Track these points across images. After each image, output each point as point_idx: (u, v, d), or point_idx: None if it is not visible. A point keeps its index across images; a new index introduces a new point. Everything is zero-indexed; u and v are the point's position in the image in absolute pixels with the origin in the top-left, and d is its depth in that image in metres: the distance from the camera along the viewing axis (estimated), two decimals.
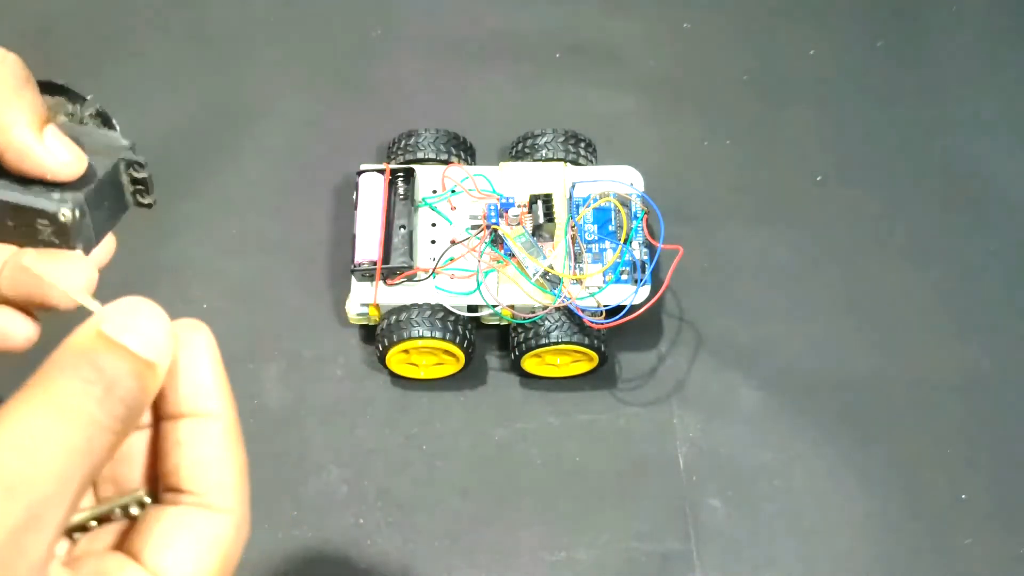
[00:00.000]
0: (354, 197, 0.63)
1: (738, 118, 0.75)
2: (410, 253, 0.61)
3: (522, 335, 0.61)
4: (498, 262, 0.61)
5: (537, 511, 0.61)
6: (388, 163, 0.65)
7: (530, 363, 0.62)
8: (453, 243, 0.62)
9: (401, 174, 0.64)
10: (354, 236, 0.62)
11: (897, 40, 0.79)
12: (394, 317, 0.60)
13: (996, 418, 0.64)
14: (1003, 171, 0.73)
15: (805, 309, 0.68)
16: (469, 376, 0.64)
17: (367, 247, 0.61)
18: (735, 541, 0.60)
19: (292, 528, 0.60)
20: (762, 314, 0.67)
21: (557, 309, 0.60)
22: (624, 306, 0.59)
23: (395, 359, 0.62)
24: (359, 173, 0.64)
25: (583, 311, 0.59)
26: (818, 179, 0.73)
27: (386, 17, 0.79)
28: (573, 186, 0.64)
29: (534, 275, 0.60)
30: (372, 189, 0.63)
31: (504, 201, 0.63)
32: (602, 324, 0.59)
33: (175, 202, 0.70)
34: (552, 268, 0.60)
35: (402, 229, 0.62)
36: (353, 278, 0.61)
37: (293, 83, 0.76)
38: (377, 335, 0.61)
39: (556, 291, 0.60)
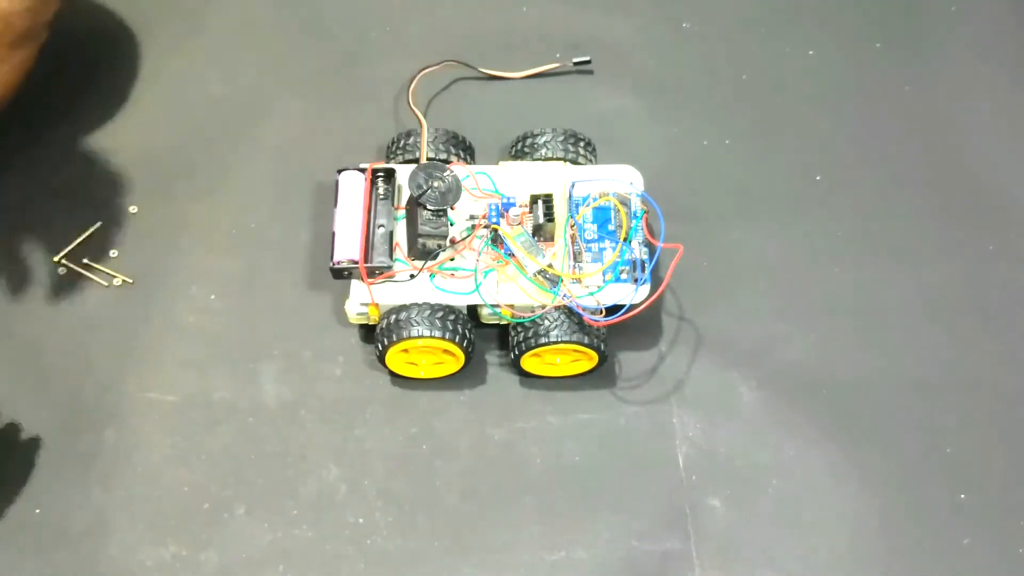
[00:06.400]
0: (335, 197, 0.64)
1: (738, 118, 0.75)
2: (390, 253, 0.61)
3: (521, 334, 0.61)
4: (497, 261, 0.62)
5: (537, 511, 0.61)
6: (386, 162, 0.65)
7: (530, 362, 0.62)
8: (453, 242, 0.62)
9: (381, 174, 0.64)
10: (333, 234, 0.62)
11: (897, 40, 0.79)
12: (393, 316, 0.60)
13: (996, 418, 0.64)
14: (1003, 171, 0.73)
15: (805, 309, 0.68)
16: (469, 376, 0.64)
17: (347, 246, 0.61)
18: (734, 540, 0.60)
19: (292, 527, 0.60)
20: (762, 314, 0.67)
21: (557, 308, 0.60)
22: (623, 304, 0.59)
23: (394, 358, 0.62)
24: (339, 172, 0.64)
25: (583, 309, 0.59)
26: (818, 179, 0.73)
27: (386, 17, 0.79)
28: (572, 185, 0.64)
29: (533, 274, 0.60)
30: (352, 189, 0.63)
31: (505, 201, 0.63)
32: (602, 322, 0.59)
33: (176, 201, 0.70)
34: (551, 267, 0.60)
35: (380, 228, 0.62)
36: (353, 278, 0.62)
37: (293, 83, 0.76)
38: (376, 335, 0.61)
39: (555, 290, 0.60)
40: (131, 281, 0.67)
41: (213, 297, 0.67)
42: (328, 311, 0.67)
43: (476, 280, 0.61)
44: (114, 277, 0.67)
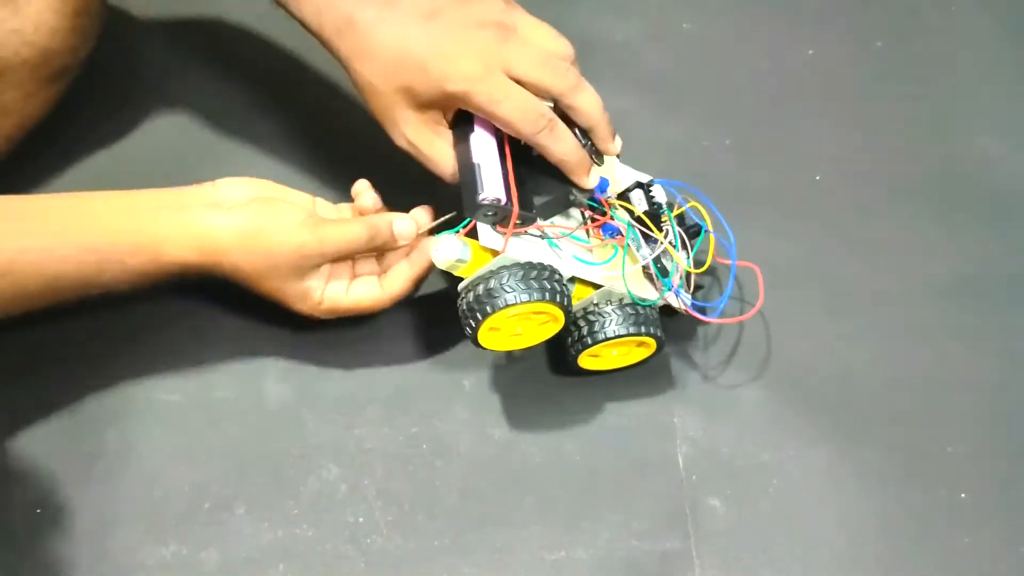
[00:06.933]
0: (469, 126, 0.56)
1: (738, 118, 0.75)
2: (530, 204, 0.55)
3: (584, 328, 0.59)
4: (621, 245, 0.58)
5: (537, 511, 0.61)
6: None
7: (586, 360, 0.62)
8: (582, 211, 0.58)
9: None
10: (475, 165, 0.54)
11: (897, 40, 0.80)
12: (481, 286, 0.55)
13: (996, 418, 0.64)
14: (1003, 170, 0.74)
15: (805, 309, 0.68)
16: (469, 375, 0.64)
17: (493, 184, 0.53)
18: (734, 540, 0.60)
19: (292, 527, 0.60)
20: (762, 314, 0.67)
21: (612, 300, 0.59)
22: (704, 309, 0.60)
23: (493, 327, 0.56)
24: None
25: (690, 305, 0.60)
26: (817, 179, 0.73)
27: None
28: (651, 183, 0.63)
29: (650, 259, 0.58)
30: (485, 124, 0.56)
31: (602, 179, 0.58)
32: (711, 319, 0.60)
33: None
34: (672, 251, 0.58)
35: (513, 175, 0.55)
36: (496, 221, 0.54)
37: (295, 83, 0.76)
38: (467, 308, 0.55)
39: (667, 280, 0.59)
40: None
41: (214, 295, 0.67)
42: None
43: (621, 260, 0.57)
44: None
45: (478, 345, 0.57)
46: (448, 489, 0.61)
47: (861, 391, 0.65)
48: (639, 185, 0.62)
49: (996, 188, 0.73)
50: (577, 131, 0.56)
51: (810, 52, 0.79)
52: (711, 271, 0.68)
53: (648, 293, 0.60)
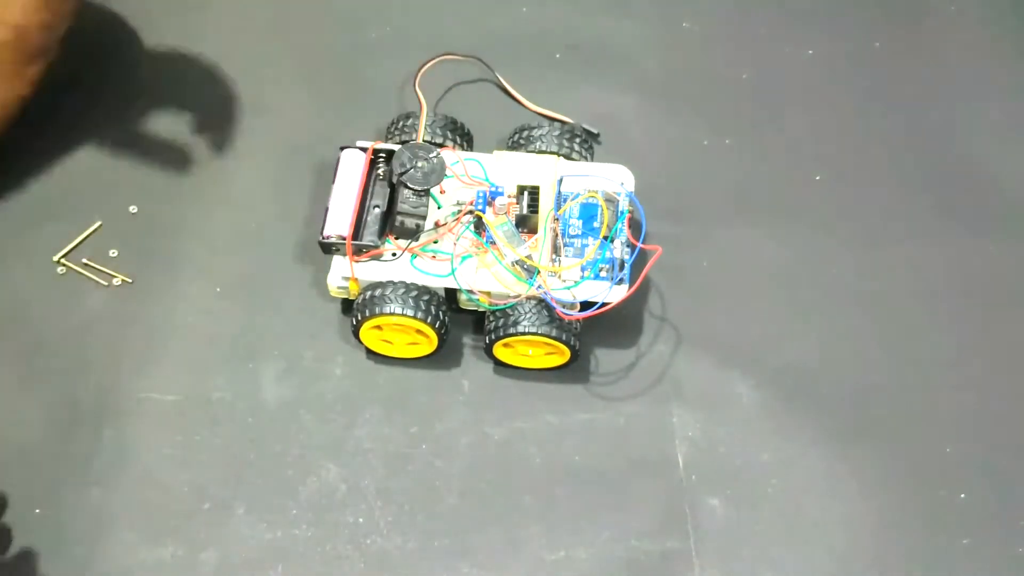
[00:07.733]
0: (335, 173, 0.64)
1: (738, 118, 0.75)
2: (380, 233, 0.62)
3: (495, 322, 0.61)
4: (478, 248, 0.62)
5: (537, 510, 0.61)
6: (380, 142, 0.65)
7: (501, 351, 0.63)
8: (438, 225, 0.62)
9: (383, 155, 0.64)
10: (327, 209, 0.62)
11: (897, 40, 0.80)
12: (369, 292, 0.61)
13: (996, 418, 0.64)
14: (1003, 171, 0.74)
15: (804, 309, 0.68)
16: (468, 375, 0.64)
17: (338, 221, 0.62)
18: (734, 540, 0.60)
19: (291, 527, 0.60)
20: (762, 314, 0.67)
21: (530, 299, 0.61)
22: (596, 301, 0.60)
23: (368, 334, 0.63)
24: (341, 149, 0.64)
25: (556, 302, 0.59)
26: (817, 179, 0.73)
27: (386, 19, 0.79)
28: (561, 180, 0.64)
29: (511, 263, 0.60)
30: (352, 166, 0.64)
31: (494, 189, 0.64)
32: (572, 315, 0.60)
33: (176, 201, 0.70)
34: (529, 258, 0.60)
35: (376, 208, 0.62)
36: (340, 253, 0.62)
37: (294, 82, 0.76)
38: (353, 309, 0.62)
39: (531, 280, 0.60)
40: (131, 281, 0.67)
41: (213, 297, 0.67)
42: (329, 311, 0.67)
43: (452, 264, 0.61)
44: (114, 277, 0.67)
45: (360, 340, 0.64)
46: (448, 489, 0.61)
47: (861, 391, 0.65)
48: (522, 191, 0.63)
49: (996, 188, 0.73)
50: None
51: (810, 52, 0.79)
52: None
53: (513, 290, 0.61)
